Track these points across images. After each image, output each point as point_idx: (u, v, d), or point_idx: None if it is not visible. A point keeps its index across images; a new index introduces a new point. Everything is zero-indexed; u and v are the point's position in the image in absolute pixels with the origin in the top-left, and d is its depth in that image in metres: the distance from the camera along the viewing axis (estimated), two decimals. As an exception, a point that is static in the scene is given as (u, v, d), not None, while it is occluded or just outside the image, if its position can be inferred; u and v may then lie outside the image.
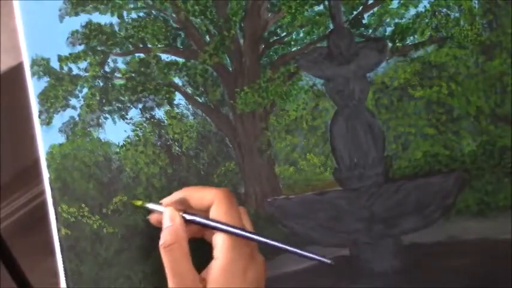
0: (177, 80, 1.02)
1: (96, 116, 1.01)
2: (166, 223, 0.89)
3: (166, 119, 1.02)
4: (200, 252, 0.91)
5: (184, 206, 0.91)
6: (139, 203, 0.95)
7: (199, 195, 0.90)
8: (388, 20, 1.00)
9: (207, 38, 1.01)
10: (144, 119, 1.02)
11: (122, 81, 1.01)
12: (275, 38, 1.01)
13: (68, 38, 1.01)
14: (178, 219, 0.89)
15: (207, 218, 0.89)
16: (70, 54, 1.01)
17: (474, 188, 1.01)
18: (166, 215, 0.89)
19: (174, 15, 1.01)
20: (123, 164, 1.01)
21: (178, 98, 1.02)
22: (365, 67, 1.00)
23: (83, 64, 1.01)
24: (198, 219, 0.89)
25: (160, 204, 0.92)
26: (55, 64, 1.01)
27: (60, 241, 1.01)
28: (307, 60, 1.01)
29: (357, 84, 1.01)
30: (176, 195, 0.91)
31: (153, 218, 0.93)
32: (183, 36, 1.01)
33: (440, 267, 1.01)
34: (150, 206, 0.93)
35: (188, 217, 0.89)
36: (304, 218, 1.01)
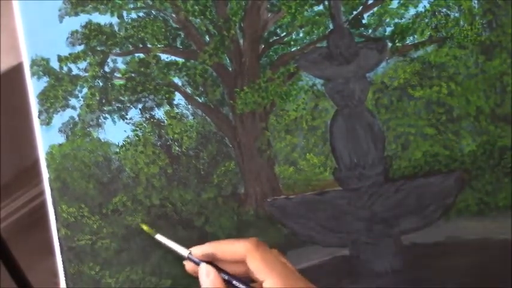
0: (176, 80, 1.02)
1: (96, 116, 1.01)
2: (205, 283, 0.88)
3: (166, 119, 1.02)
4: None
5: (212, 259, 0.90)
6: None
7: (230, 248, 0.89)
8: (388, 20, 1.00)
9: (207, 38, 1.01)
10: (144, 119, 1.02)
11: (121, 81, 1.01)
12: (275, 38, 1.01)
13: (67, 38, 1.01)
14: (219, 280, 0.88)
15: (243, 281, 0.88)
16: (70, 54, 1.01)
17: (474, 188, 1.01)
18: (210, 277, 0.89)
19: (173, 15, 1.01)
20: (122, 164, 1.01)
21: (178, 98, 1.02)
22: (365, 67, 1.00)
23: (83, 64, 1.01)
24: (235, 282, 0.89)
25: (189, 251, 0.90)
26: (55, 64, 1.01)
27: (60, 241, 1.01)
28: (307, 60, 1.01)
29: (357, 84, 1.01)
30: (207, 249, 0.90)
31: (189, 267, 0.91)
32: (182, 36, 1.01)
33: (440, 267, 1.01)
34: (175, 246, 0.91)
35: (226, 277, 0.89)
36: (304, 218, 1.01)
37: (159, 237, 0.91)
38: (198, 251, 0.90)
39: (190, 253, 0.89)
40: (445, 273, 1.01)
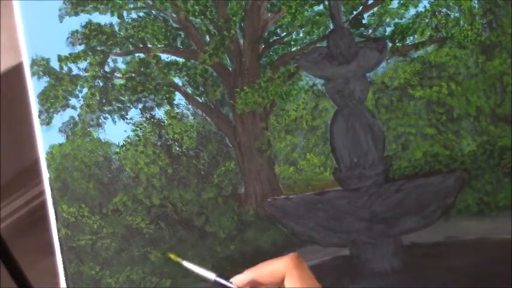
0: (177, 80, 1.02)
1: (96, 116, 1.01)
2: None
3: (166, 119, 1.02)
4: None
5: (253, 285, 0.88)
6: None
7: (269, 270, 0.87)
8: (388, 20, 1.00)
9: (207, 38, 1.01)
10: (144, 119, 1.02)
11: (121, 81, 1.01)
12: (275, 38, 1.01)
13: (68, 38, 1.01)
14: None
15: None
16: (70, 54, 1.01)
17: (474, 188, 1.01)
18: None
19: (174, 15, 1.01)
20: (123, 164, 1.01)
21: (178, 98, 1.02)
22: (365, 67, 1.00)
23: (83, 64, 1.01)
24: None
25: (231, 283, 0.88)
26: (55, 64, 1.01)
27: (60, 241, 1.01)
28: (307, 60, 1.01)
29: (357, 84, 1.01)
30: (247, 276, 0.88)
31: None
32: (183, 36, 1.01)
33: (440, 267, 1.01)
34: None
35: None
36: (304, 218, 1.01)
37: (186, 263, 0.90)
38: (238, 280, 0.88)
39: (217, 276, 0.88)
40: (445, 273, 1.01)
